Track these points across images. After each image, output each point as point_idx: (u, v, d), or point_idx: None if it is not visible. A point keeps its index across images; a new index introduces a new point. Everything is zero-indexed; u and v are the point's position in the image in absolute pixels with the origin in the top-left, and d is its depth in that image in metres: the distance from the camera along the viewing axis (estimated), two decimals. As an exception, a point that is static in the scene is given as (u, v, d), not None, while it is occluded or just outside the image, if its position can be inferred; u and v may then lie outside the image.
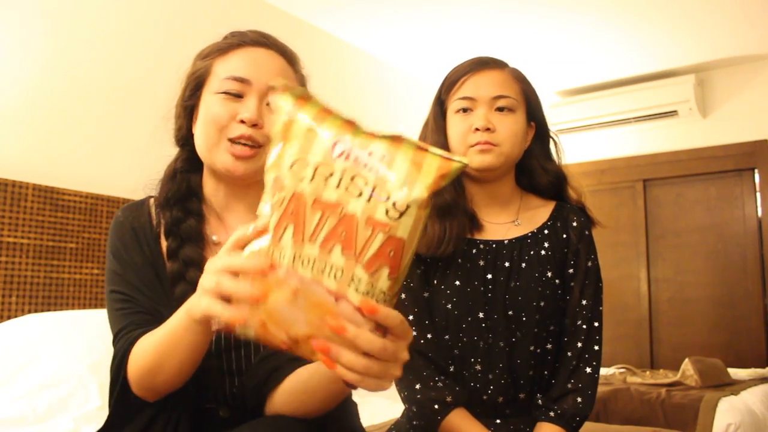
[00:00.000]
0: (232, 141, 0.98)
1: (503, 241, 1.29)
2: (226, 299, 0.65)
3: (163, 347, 0.83)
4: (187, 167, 1.07)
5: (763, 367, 3.51)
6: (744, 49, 3.83)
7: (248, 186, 1.03)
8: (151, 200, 1.07)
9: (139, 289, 0.96)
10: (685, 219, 4.11)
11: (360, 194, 0.59)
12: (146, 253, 0.99)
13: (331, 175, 0.60)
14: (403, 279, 0.62)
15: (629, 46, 3.75)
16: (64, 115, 2.29)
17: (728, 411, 2.51)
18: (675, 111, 4.07)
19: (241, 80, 0.99)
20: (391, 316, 0.61)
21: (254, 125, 0.97)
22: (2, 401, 1.59)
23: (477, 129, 1.25)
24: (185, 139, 1.07)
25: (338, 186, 0.60)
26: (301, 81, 1.10)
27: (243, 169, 0.98)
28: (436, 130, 1.32)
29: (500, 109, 1.27)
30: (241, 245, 0.65)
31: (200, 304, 0.68)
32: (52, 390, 1.65)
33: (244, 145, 0.97)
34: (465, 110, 1.28)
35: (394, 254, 0.60)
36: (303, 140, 0.62)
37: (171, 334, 0.81)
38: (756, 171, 3.94)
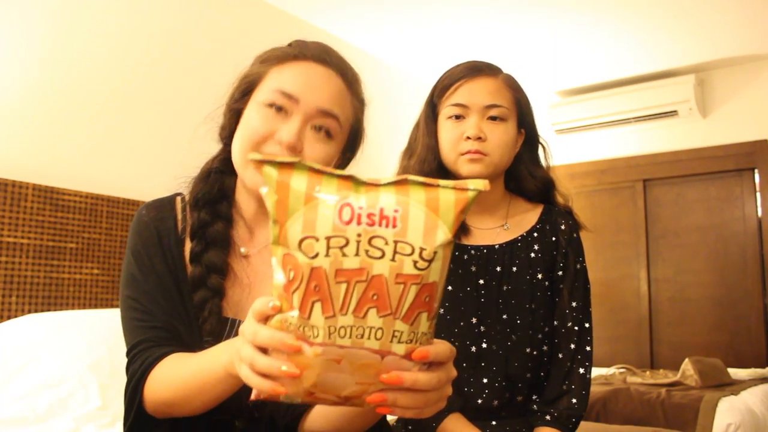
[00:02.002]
0: None
1: (494, 245, 1.29)
2: (264, 375, 0.62)
3: (191, 388, 0.81)
4: (223, 168, 1.03)
5: (763, 367, 3.52)
6: (744, 49, 3.83)
7: None
8: (178, 199, 1.03)
9: (157, 300, 0.93)
10: (685, 219, 4.11)
11: (382, 255, 0.57)
12: (168, 259, 0.96)
13: (347, 244, 0.57)
14: (438, 312, 0.62)
15: (629, 46, 3.75)
16: (65, 115, 2.29)
17: (728, 411, 2.50)
18: (675, 111, 4.07)
19: (289, 96, 0.93)
20: (441, 351, 0.61)
21: (292, 149, 0.92)
22: (2, 401, 1.59)
23: (468, 137, 1.25)
24: (227, 139, 1.02)
25: (357, 253, 0.57)
26: (358, 107, 1.03)
27: None
28: (428, 133, 1.32)
29: (492, 118, 1.27)
30: (264, 318, 0.62)
31: (240, 370, 0.65)
32: (52, 390, 1.64)
33: None
34: (457, 117, 1.28)
35: (430, 298, 0.59)
36: (305, 213, 0.58)
37: (203, 379, 0.79)
38: (756, 171, 3.93)
